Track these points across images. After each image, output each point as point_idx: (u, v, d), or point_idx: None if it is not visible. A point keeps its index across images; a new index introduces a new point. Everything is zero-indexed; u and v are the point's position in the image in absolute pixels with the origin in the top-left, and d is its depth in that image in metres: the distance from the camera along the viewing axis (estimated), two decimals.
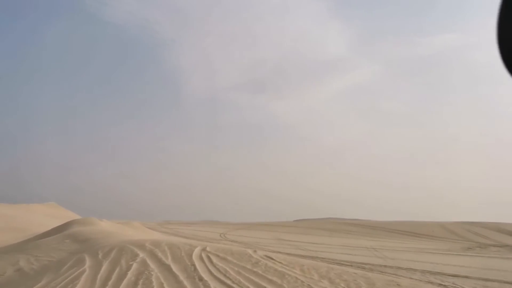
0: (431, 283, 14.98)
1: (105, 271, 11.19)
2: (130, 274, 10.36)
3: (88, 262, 12.45)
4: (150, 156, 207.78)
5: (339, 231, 63.92)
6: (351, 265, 20.23)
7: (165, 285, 9.43)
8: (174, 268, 11.21)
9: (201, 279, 10.17)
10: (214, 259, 12.34)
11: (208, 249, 13.98)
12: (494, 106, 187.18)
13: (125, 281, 9.75)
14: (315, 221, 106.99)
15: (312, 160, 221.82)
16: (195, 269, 11.28)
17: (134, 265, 11.60)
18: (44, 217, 52.01)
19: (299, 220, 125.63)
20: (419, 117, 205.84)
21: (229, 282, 9.92)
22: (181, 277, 10.15)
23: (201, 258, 12.55)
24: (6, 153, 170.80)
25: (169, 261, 12.13)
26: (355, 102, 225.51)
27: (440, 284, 14.78)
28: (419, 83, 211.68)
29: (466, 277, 17.76)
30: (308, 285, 9.86)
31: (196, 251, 13.45)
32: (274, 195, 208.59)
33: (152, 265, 11.55)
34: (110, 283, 9.88)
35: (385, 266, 21.09)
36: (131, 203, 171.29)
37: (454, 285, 14.80)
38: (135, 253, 13.06)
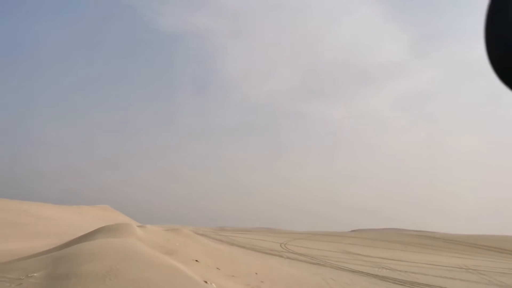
0: None
1: None
2: None
3: None
4: (207, 161, 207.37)
5: (412, 245, 56.29)
6: None
7: None
8: None
9: None
10: None
11: None
12: None
13: None
14: (376, 231, 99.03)
15: (369, 168, 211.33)
16: None
17: None
18: (92, 220, 49.12)
19: (357, 230, 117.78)
20: (482, 122, 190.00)
21: None
22: None
23: None
24: (64, 154, 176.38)
25: None
26: (414, 106, 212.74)
27: None
28: (479, 87, 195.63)
29: None
30: None
31: None
32: (329, 202, 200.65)
33: None
34: None
35: None
36: (186, 207, 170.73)
37: None
38: None
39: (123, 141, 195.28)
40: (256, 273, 16.18)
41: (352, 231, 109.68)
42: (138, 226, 21.64)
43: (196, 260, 14.23)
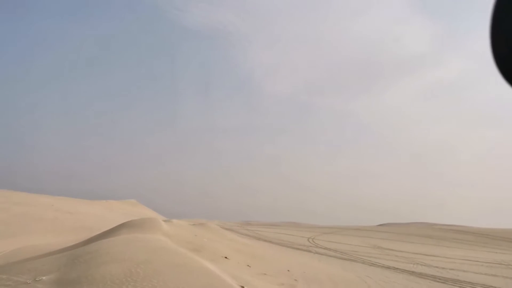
0: None
1: None
2: None
3: None
4: (232, 156, 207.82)
5: (444, 239, 54.30)
6: None
7: None
8: None
9: None
10: None
11: None
12: None
13: None
14: (404, 226, 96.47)
15: (390, 163, 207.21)
16: None
17: None
18: (120, 215, 49.27)
19: (384, 224, 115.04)
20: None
21: None
22: None
23: None
24: (99, 149, 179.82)
25: None
26: (440, 100, 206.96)
27: None
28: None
29: None
30: None
31: None
32: (354, 198, 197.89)
33: None
34: None
35: None
36: (213, 202, 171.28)
37: None
38: None
39: (154, 139, 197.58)
40: (288, 270, 15.34)
41: (380, 225, 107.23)
42: (164, 221, 21.12)
43: (226, 257, 13.48)
